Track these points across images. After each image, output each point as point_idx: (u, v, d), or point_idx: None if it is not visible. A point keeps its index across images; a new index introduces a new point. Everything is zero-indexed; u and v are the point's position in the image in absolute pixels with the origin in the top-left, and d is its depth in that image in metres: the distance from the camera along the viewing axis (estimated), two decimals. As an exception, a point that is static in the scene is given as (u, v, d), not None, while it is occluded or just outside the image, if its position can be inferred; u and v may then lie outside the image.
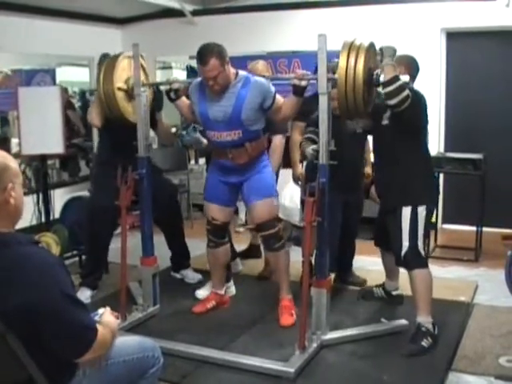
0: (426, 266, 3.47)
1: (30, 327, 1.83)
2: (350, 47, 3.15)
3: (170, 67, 9.35)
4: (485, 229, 5.34)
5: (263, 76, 3.72)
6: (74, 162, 7.78)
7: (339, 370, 3.18)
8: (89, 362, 2.00)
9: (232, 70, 3.59)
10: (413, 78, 3.52)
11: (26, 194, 5.99)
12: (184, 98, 3.88)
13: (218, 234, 3.91)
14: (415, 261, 3.43)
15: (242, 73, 3.64)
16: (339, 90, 3.16)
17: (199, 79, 3.72)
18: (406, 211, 3.44)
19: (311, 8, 6.21)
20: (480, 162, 5.12)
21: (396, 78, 3.18)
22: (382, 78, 3.20)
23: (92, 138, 7.10)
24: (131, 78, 3.88)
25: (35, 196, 5.14)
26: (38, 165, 5.24)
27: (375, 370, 3.15)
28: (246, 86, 3.55)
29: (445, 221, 6.05)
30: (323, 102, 3.22)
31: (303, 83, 3.39)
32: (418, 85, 3.55)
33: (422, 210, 3.45)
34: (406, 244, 3.43)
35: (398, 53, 3.39)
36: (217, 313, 3.94)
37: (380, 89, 3.27)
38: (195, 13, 6.64)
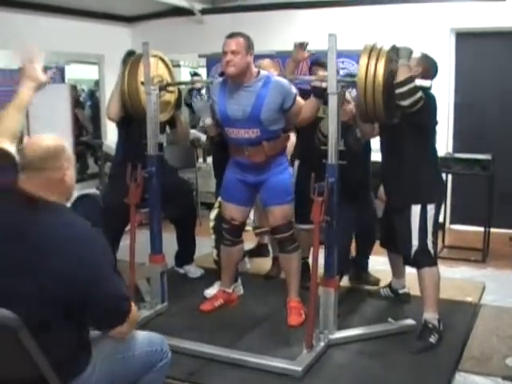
0: (435, 264, 3.48)
1: (71, 293, 1.93)
2: (371, 50, 3.14)
3: (179, 65, 9.37)
4: (492, 229, 5.35)
5: (285, 77, 3.69)
6: (83, 159, 7.82)
7: (346, 369, 3.19)
8: (118, 334, 2.12)
9: (254, 69, 3.58)
10: (427, 77, 3.50)
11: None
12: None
13: (236, 233, 3.92)
14: (425, 259, 3.44)
15: (263, 72, 3.62)
16: (359, 93, 3.16)
17: (220, 79, 3.73)
18: (414, 209, 3.44)
19: (320, 7, 6.21)
20: (488, 163, 5.12)
21: (410, 80, 3.17)
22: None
23: (100, 136, 7.13)
24: (156, 77, 3.92)
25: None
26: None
27: (382, 369, 3.15)
28: (267, 86, 3.53)
29: (452, 221, 6.04)
30: (333, 102, 3.22)
31: (324, 85, 3.32)
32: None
33: (430, 208, 3.45)
34: (415, 243, 3.44)
35: (417, 51, 3.39)
36: (224, 311, 3.94)
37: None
38: (204, 11, 6.66)
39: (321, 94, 3.41)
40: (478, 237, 5.23)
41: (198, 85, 3.85)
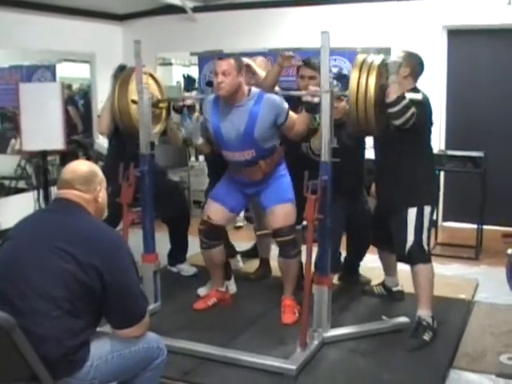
0: (429, 261, 3.49)
1: (98, 284, 2.13)
2: (362, 64, 3.15)
3: (170, 64, 9.34)
4: (485, 227, 5.36)
5: (275, 93, 3.68)
6: (74, 158, 7.77)
7: (341, 367, 3.19)
8: (126, 335, 2.26)
9: (245, 87, 3.59)
10: (416, 78, 3.51)
11: (26, 190, 6.02)
12: (199, 116, 3.87)
13: (211, 235, 3.87)
14: (419, 256, 3.45)
15: (254, 90, 3.63)
16: (351, 107, 3.17)
17: (213, 95, 3.71)
18: (411, 209, 3.45)
19: (313, 5, 6.20)
20: (481, 160, 5.14)
21: (401, 98, 3.18)
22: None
23: (92, 135, 7.10)
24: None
25: (36, 192, 5.13)
26: (38, 161, 5.23)
27: (376, 367, 3.16)
28: (259, 103, 3.54)
29: (445, 218, 6.05)
30: (325, 99, 3.21)
31: (316, 100, 3.32)
32: (418, 84, 3.54)
33: (426, 208, 3.47)
34: (410, 239, 3.44)
35: (398, 50, 3.39)
36: (218, 310, 3.94)
37: None
38: (196, 9, 6.63)
39: (312, 109, 3.41)
40: (471, 234, 5.25)
41: (189, 101, 3.82)
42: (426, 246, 3.50)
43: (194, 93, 4.00)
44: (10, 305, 2.02)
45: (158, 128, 4.15)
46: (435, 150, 5.00)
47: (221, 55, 3.54)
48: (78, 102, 7.93)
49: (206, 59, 6.69)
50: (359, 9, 5.97)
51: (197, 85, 6.99)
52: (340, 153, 3.25)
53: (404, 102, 3.17)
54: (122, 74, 4.03)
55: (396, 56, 3.37)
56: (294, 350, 3.22)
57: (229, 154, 3.70)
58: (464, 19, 5.60)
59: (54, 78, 7.12)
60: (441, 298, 3.81)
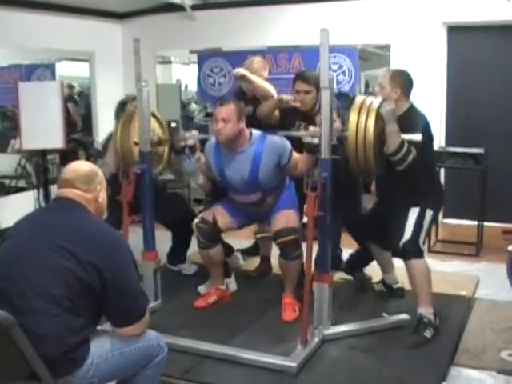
0: (423, 257, 3.47)
1: (98, 282, 2.13)
2: (361, 107, 3.17)
3: (170, 62, 9.34)
4: (486, 223, 5.35)
5: (276, 133, 3.69)
6: (74, 156, 7.77)
7: (341, 365, 3.18)
8: (126, 333, 2.26)
9: (247, 132, 3.62)
10: (408, 94, 3.50)
11: (26, 189, 6.01)
12: (200, 156, 3.87)
13: (209, 236, 3.86)
14: (413, 251, 3.43)
15: (255, 133, 3.66)
16: (350, 149, 3.19)
17: (214, 139, 3.73)
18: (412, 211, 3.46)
19: (312, 2, 6.17)
20: (481, 157, 5.13)
21: (401, 147, 3.20)
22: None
23: (92, 133, 7.09)
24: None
25: (36, 191, 5.13)
26: (38, 160, 5.23)
27: (377, 364, 3.15)
28: (261, 148, 3.59)
29: (446, 215, 6.03)
30: (325, 96, 3.20)
31: (315, 141, 3.29)
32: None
33: (428, 212, 3.48)
34: (407, 236, 3.44)
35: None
36: (218, 308, 3.94)
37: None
38: (195, 7, 6.62)
39: (313, 150, 3.38)
40: (472, 231, 5.24)
41: (191, 142, 3.81)
42: (421, 246, 3.48)
43: (194, 132, 3.92)
44: (9, 303, 2.02)
45: (159, 168, 4.10)
46: (435, 147, 5.01)
47: (220, 99, 3.56)
48: (77, 100, 7.94)
49: (205, 57, 6.69)
50: (358, 6, 5.94)
51: (196, 83, 6.99)
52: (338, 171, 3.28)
53: (403, 151, 3.21)
54: (123, 113, 4.00)
55: (389, 104, 3.33)
56: (294, 348, 3.22)
57: (235, 197, 3.81)
58: (464, 16, 5.58)
59: (53, 77, 7.12)
60: (441, 295, 3.80)
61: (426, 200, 3.50)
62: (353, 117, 3.18)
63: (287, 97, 3.92)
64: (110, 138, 4.26)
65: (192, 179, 3.98)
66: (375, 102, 3.24)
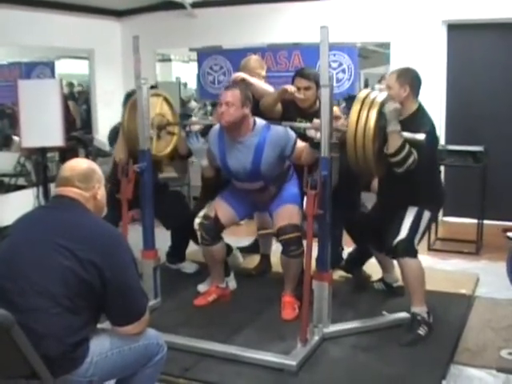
0: (416, 256, 3.45)
1: (98, 281, 2.12)
2: (364, 99, 3.14)
3: (170, 59, 9.33)
4: (486, 221, 5.35)
5: (280, 124, 3.66)
6: (74, 154, 7.76)
7: (341, 363, 3.18)
8: (128, 334, 2.26)
9: (250, 120, 3.61)
10: (417, 93, 3.46)
11: (26, 187, 6.00)
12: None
13: (212, 232, 3.86)
14: (406, 250, 3.41)
15: (259, 123, 3.64)
16: (348, 144, 3.16)
17: (217, 126, 3.73)
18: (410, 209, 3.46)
19: (312, 0, 6.17)
20: (481, 155, 5.13)
21: (402, 148, 3.17)
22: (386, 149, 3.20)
23: (91, 131, 7.09)
24: (157, 116, 3.92)
25: (35, 189, 5.12)
26: (37, 158, 5.23)
27: (377, 362, 3.15)
28: (264, 139, 3.57)
29: (445, 213, 6.04)
30: (325, 94, 3.19)
31: (318, 136, 3.27)
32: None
33: (426, 213, 3.47)
34: (402, 234, 3.42)
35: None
36: (218, 306, 3.93)
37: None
38: (195, 5, 6.61)
39: (316, 145, 3.36)
40: (472, 229, 5.24)
41: (197, 127, 3.84)
42: (415, 246, 3.46)
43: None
44: (9, 302, 2.02)
45: (169, 149, 4.11)
46: (435, 145, 5.01)
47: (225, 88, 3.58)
48: (78, 97, 7.95)
49: (205, 55, 6.68)
50: (359, 3, 5.94)
51: (196, 81, 6.98)
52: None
53: (404, 152, 3.17)
54: (130, 100, 4.01)
55: (393, 103, 3.25)
56: (294, 346, 3.21)
57: (237, 183, 3.82)
58: (464, 14, 5.58)
59: (52, 75, 7.13)
60: (441, 293, 3.81)
61: (424, 201, 3.49)
62: (355, 107, 3.15)
63: (291, 88, 3.91)
64: (114, 129, 4.35)
65: (196, 159, 3.98)
66: (380, 96, 3.21)
